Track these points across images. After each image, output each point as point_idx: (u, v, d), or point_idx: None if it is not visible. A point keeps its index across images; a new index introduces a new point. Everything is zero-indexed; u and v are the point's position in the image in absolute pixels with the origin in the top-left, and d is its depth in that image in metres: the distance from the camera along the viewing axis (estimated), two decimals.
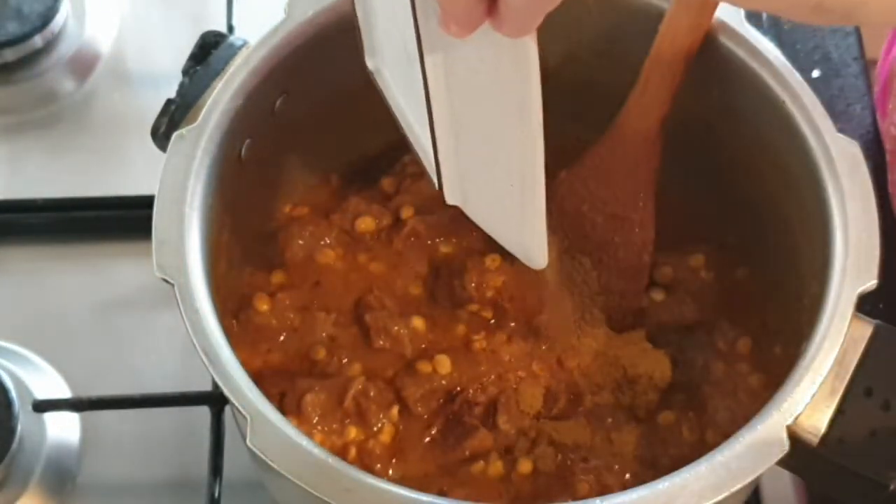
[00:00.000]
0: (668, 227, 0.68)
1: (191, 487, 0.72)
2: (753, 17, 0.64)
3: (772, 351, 0.65)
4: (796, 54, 0.88)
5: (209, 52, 0.64)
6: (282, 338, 0.67)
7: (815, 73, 0.87)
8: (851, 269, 0.56)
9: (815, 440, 0.54)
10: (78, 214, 0.81)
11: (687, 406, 0.65)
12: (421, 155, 0.59)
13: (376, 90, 0.61)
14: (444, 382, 0.65)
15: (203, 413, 0.72)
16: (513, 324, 0.67)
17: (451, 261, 0.69)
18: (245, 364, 0.56)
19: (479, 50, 0.49)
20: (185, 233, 0.58)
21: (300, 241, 0.69)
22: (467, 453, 0.63)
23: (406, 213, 0.70)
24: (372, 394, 0.63)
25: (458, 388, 0.65)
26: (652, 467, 0.62)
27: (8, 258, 0.81)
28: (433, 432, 0.64)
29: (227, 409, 0.72)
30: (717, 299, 0.69)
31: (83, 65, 0.89)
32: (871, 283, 0.56)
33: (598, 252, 0.68)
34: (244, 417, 0.53)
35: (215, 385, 0.58)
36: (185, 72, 0.64)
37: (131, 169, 0.84)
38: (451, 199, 0.59)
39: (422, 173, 0.71)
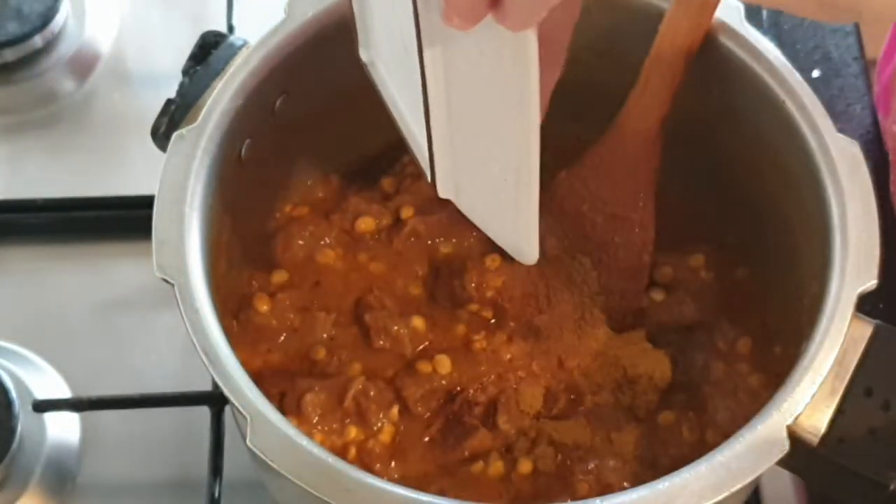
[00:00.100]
0: (668, 227, 0.68)
1: (191, 487, 0.72)
2: (753, 17, 0.64)
3: (772, 351, 0.65)
4: (796, 54, 0.88)
5: (209, 52, 0.64)
6: (282, 338, 0.67)
7: (815, 73, 0.87)
8: (851, 269, 0.56)
9: (815, 440, 0.54)
10: (78, 214, 0.81)
11: (687, 406, 0.65)
12: (414, 148, 0.59)
13: (375, 88, 0.61)
14: (444, 382, 0.65)
15: (203, 413, 0.72)
16: (513, 324, 0.67)
17: (451, 261, 0.69)
18: (245, 364, 0.56)
19: (480, 43, 0.49)
20: (185, 233, 0.58)
21: (300, 241, 0.69)
22: (467, 453, 0.63)
23: (406, 213, 0.70)
24: (372, 394, 0.63)
25: (458, 388, 0.65)
26: (652, 467, 0.62)
27: (8, 258, 0.81)
28: (433, 432, 0.64)
29: (227, 409, 0.72)
30: (717, 299, 0.69)
31: (83, 65, 0.89)
32: (871, 283, 0.56)
33: (598, 252, 0.68)
34: (244, 417, 0.53)
35: (215, 385, 0.58)
36: (185, 72, 0.64)
37: (131, 169, 0.84)
38: (443, 192, 0.59)
39: (422, 173, 0.71)
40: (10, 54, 0.86)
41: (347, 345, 0.67)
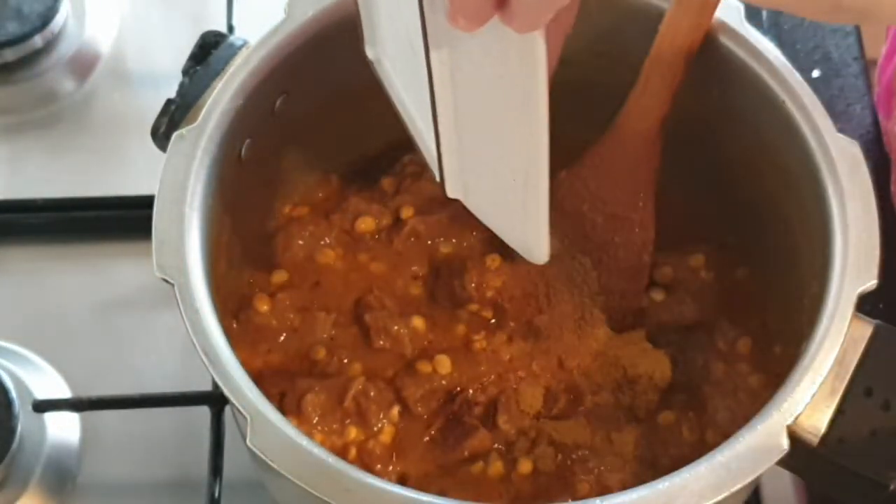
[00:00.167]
0: (668, 227, 0.68)
1: (191, 487, 0.72)
2: (753, 17, 0.64)
3: (772, 351, 0.65)
4: (796, 54, 0.88)
5: (209, 52, 0.64)
6: (282, 338, 0.67)
7: (815, 73, 0.87)
8: (851, 269, 0.56)
9: (815, 440, 0.54)
10: (78, 214, 0.81)
11: (687, 406, 0.65)
12: (422, 147, 0.59)
13: (377, 90, 0.61)
14: (444, 382, 0.65)
15: (203, 413, 0.72)
16: (513, 324, 0.67)
17: (451, 261, 0.69)
18: (245, 364, 0.56)
19: (486, 45, 0.48)
20: (185, 233, 0.58)
21: (300, 241, 0.69)
22: (467, 453, 0.63)
23: (406, 213, 0.70)
24: (372, 394, 0.63)
25: (458, 388, 0.65)
26: (652, 467, 0.62)
27: (8, 258, 0.81)
28: (433, 432, 0.64)
29: (227, 409, 0.72)
30: (717, 299, 0.69)
31: (83, 65, 0.89)
32: (871, 283, 0.56)
33: (598, 252, 0.68)
34: (244, 417, 0.53)
35: (215, 385, 0.58)
36: (185, 72, 0.64)
37: (131, 169, 0.84)
38: (452, 192, 0.59)
39: (422, 173, 0.71)
40: (10, 54, 0.86)
41: (347, 345, 0.67)
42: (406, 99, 0.59)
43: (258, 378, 0.57)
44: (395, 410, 0.64)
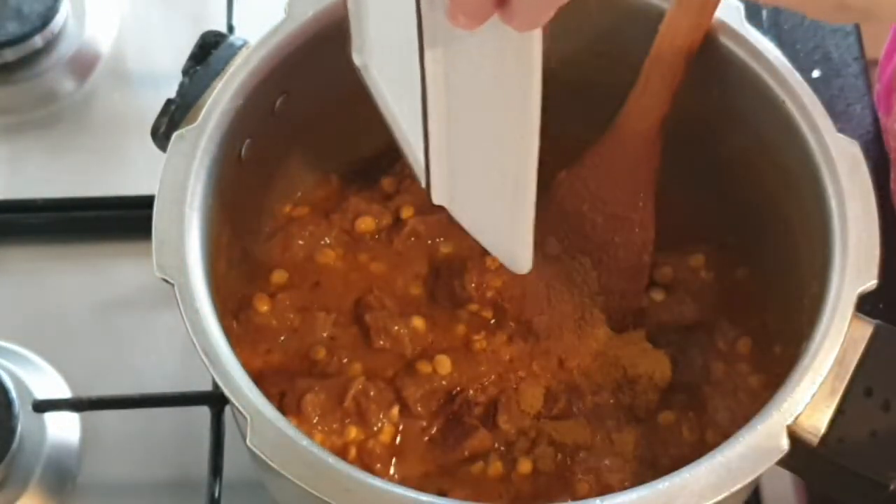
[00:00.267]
0: (668, 227, 0.68)
1: (191, 487, 0.72)
2: (753, 17, 0.64)
3: (772, 351, 0.65)
4: (796, 54, 0.88)
5: (209, 52, 0.64)
6: (282, 338, 0.67)
7: (815, 73, 0.87)
8: (851, 269, 0.56)
9: (815, 440, 0.54)
10: (78, 214, 0.81)
11: (687, 406, 0.65)
12: (408, 153, 0.59)
13: (368, 92, 0.61)
14: (444, 382, 0.65)
15: (203, 413, 0.72)
16: (513, 324, 0.67)
17: (451, 261, 0.69)
18: (245, 364, 0.56)
19: (483, 44, 0.48)
20: (185, 233, 0.58)
21: (300, 241, 0.69)
22: (467, 453, 0.63)
23: (406, 213, 0.70)
24: (372, 394, 0.63)
25: (458, 389, 0.65)
26: (652, 467, 0.62)
27: (8, 258, 0.81)
28: (433, 432, 0.64)
29: (227, 409, 0.72)
30: (717, 299, 0.69)
31: (83, 65, 0.89)
32: (871, 283, 0.56)
33: (598, 252, 0.68)
34: (244, 417, 0.53)
35: (215, 385, 0.58)
36: (185, 72, 0.64)
37: (131, 169, 0.84)
38: (437, 199, 0.58)
39: (416, 178, 0.71)
40: (10, 54, 0.86)
41: (347, 345, 0.67)
42: (393, 105, 0.58)
43: (258, 378, 0.57)
44: (395, 410, 0.64)
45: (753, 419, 0.54)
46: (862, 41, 0.89)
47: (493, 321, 0.67)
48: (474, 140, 0.54)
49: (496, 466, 0.63)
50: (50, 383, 0.75)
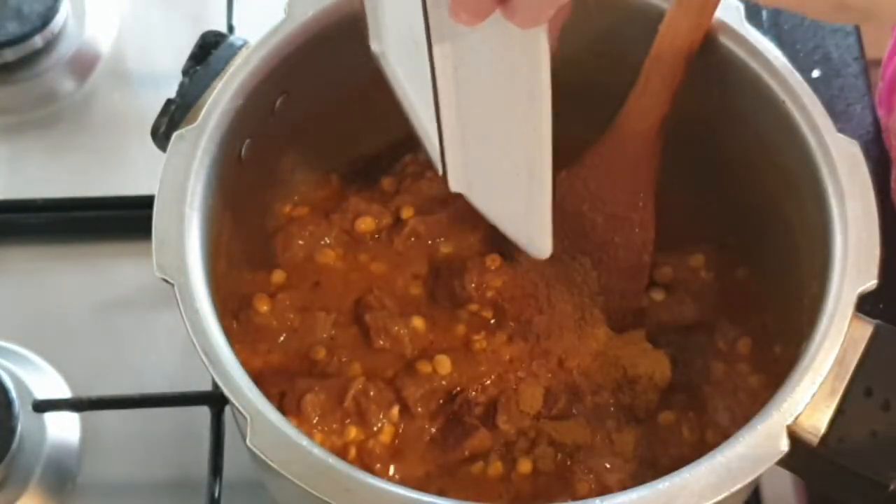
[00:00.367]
0: (668, 227, 0.68)
1: (191, 487, 0.72)
2: (753, 17, 0.64)
3: (772, 351, 0.65)
4: (796, 54, 0.88)
5: (209, 52, 0.64)
6: (282, 338, 0.67)
7: (815, 73, 0.87)
8: (851, 269, 0.56)
9: (815, 440, 0.54)
10: (78, 214, 0.81)
11: (687, 406, 0.65)
12: (425, 141, 0.59)
13: (377, 90, 0.61)
14: (444, 382, 0.65)
15: (203, 413, 0.72)
16: (513, 324, 0.67)
17: (451, 261, 0.69)
18: (245, 364, 0.56)
19: (489, 39, 0.48)
20: (185, 233, 0.58)
21: (300, 241, 0.69)
22: (467, 453, 0.63)
23: (406, 213, 0.70)
24: (372, 394, 0.63)
25: (458, 389, 0.65)
26: (652, 467, 0.62)
27: (8, 258, 0.81)
28: (433, 432, 0.64)
29: (227, 409, 0.72)
30: (717, 299, 0.69)
31: (83, 65, 0.89)
32: (871, 283, 0.56)
33: (598, 252, 0.68)
34: (244, 417, 0.53)
35: (215, 385, 0.58)
36: (185, 72, 0.64)
37: (131, 169, 0.84)
38: (455, 186, 0.59)
39: (422, 173, 0.71)
40: (10, 54, 0.86)
41: (347, 345, 0.67)
42: (410, 93, 0.59)
43: (258, 378, 0.57)
44: (395, 410, 0.64)
45: (753, 419, 0.54)
46: (862, 41, 0.89)
47: (493, 321, 0.67)
48: (488, 129, 0.54)
49: (496, 466, 0.63)
50: (50, 383, 0.75)
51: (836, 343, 0.55)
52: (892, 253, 0.58)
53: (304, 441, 0.53)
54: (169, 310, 0.57)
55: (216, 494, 0.70)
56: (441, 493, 0.61)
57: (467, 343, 0.66)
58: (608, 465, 0.62)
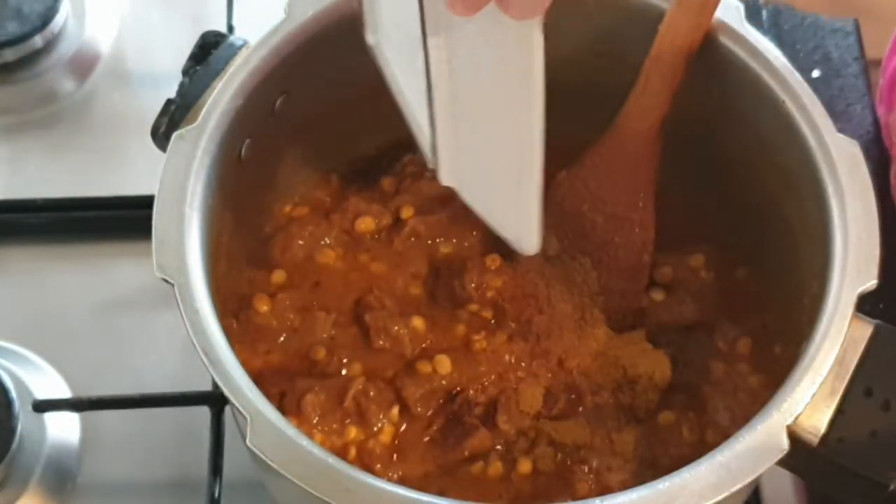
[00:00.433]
0: (668, 227, 0.68)
1: (191, 487, 0.72)
2: (753, 17, 0.64)
3: (772, 351, 0.65)
4: (796, 54, 0.88)
5: (209, 52, 0.64)
6: (282, 338, 0.67)
7: (815, 73, 0.87)
8: (851, 269, 0.56)
9: (815, 440, 0.54)
10: (78, 214, 0.81)
11: (687, 406, 0.65)
12: (417, 134, 0.59)
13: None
14: (444, 382, 0.65)
15: (203, 413, 0.72)
16: (513, 324, 0.67)
17: (451, 261, 0.69)
18: (245, 364, 0.55)
19: (484, 31, 0.49)
20: (185, 233, 0.58)
21: (300, 241, 0.69)
22: (467, 453, 0.63)
23: (406, 213, 0.70)
24: (372, 394, 0.63)
25: (458, 389, 0.65)
26: (652, 467, 0.62)
27: (8, 258, 0.81)
28: (433, 432, 0.64)
29: (227, 409, 0.72)
30: (717, 299, 0.69)
31: (83, 65, 0.89)
32: (871, 283, 0.56)
33: (598, 252, 0.68)
34: (244, 417, 0.53)
35: (215, 385, 0.58)
36: (185, 72, 0.64)
37: (131, 169, 0.84)
38: (445, 179, 0.59)
39: (422, 173, 0.71)
40: (10, 54, 0.86)
41: (347, 345, 0.67)
42: (403, 85, 0.59)
43: (258, 378, 0.57)
44: (395, 410, 0.64)
45: (753, 419, 0.54)
46: (862, 41, 0.89)
47: (493, 321, 0.67)
48: (480, 122, 0.54)
49: (496, 466, 0.63)
50: (50, 383, 0.75)
51: (836, 343, 0.55)
52: (892, 253, 0.58)
53: (304, 441, 0.53)
54: (169, 310, 0.57)
55: (216, 494, 0.70)
56: (441, 493, 0.61)
57: (467, 343, 0.66)
58: (608, 465, 0.62)
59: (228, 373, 0.54)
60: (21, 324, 0.78)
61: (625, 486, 0.61)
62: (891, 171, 0.82)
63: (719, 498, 0.52)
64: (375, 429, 0.63)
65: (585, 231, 0.68)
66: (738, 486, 0.52)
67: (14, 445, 0.70)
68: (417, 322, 0.67)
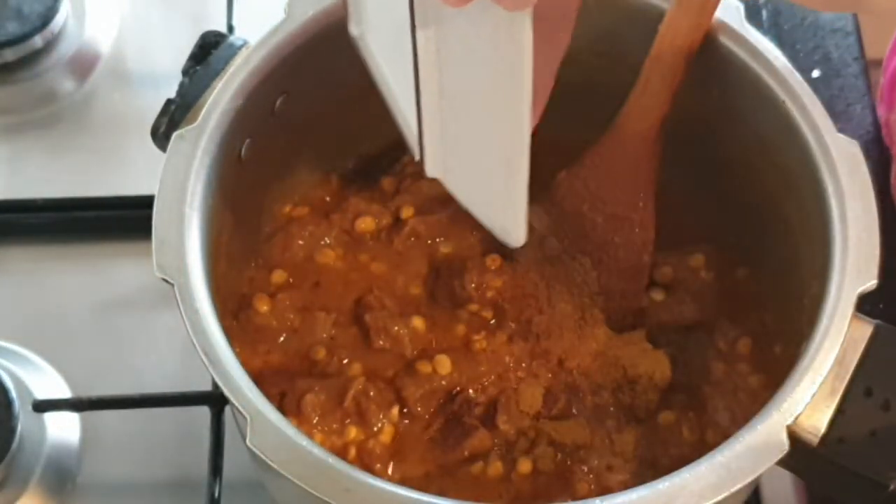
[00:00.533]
0: (668, 227, 0.68)
1: (191, 487, 0.72)
2: (753, 17, 0.64)
3: (772, 351, 0.65)
4: (796, 54, 0.88)
5: (209, 52, 0.64)
6: (282, 338, 0.67)
7: (815, 73, 0.87)
8: (851, 269, 0.56)
9: (815, 440, 0.54)
10: (78, 214, 0.81)
11: (687, 406, 0.65)
12: (402, 125, 0.59)
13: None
14: (444, 382, 0.65)
15: (203, 413, 0.72)
16: (513, 324, 0.67)
17: (451, 261, 0.69)
18: (245, 364, 0.55)
19: (474, 23, 0.48)
20: (185, 233, 0.58)
21: (300, 241, 0.69)
22: (467, 453, 0.63)
23: (406, 213, 0.70)
24: (372, 394, 0.63)
25: (458, 389, 0.65)
26: (652, 467, 0.62)
27: (8, 258, 0.81)
28: (433, 432, 0.64)
29: (227, 409, 0.72)
30: (717, 299, 0.69)
31: (83, 65, 0.89)
32: (871, 283, 0.56)
33: (598, 252, 0.68)
34: (244, 417, 0.53)
35: (215, 385, 0.58)
36: (185, 72, 0.64)
37: (131, 169, 0.84)
38: (431, 171, 0.58)
39: (422, 173, 0.71)
40: (10, 54, 0.86)
41: (347, 345, 0.67)
42: (388, 76, 0.58)
43: (258, 378, 0.57)
44: (395, 410, 0.64)
45: (753, 419, 0.54)
46: (862, 41, 0.89)
47: (493, 321, 0.67)
48: (467, 114, 0.54)
49: (496, 466, 0.63)
50: (50, 383, 0.75)
51: (836, 343, 0.55)
52: (892, 253, 0.58)
53: (304, 441, 0.53)
54: (169, 310, 0.57)
55: (216, 494, 0.70)
56: (441, 493, 0.61)
57: (467, 343, 0.66)
58: (608, 465, 0.62)
59: (228, 373, 0.54)
60: (21, 324, 0.78)
61: (625, 486, 0.61)
62: (891, 171, 0.82)
63: (719, 498, 0.52)
64: (375, 429, 0.63)
65: (585, 231, 0.68)
66: (738, 486, 0.52)
67: (14, 445, 0.70)
68: (417, 322, 0.67)
